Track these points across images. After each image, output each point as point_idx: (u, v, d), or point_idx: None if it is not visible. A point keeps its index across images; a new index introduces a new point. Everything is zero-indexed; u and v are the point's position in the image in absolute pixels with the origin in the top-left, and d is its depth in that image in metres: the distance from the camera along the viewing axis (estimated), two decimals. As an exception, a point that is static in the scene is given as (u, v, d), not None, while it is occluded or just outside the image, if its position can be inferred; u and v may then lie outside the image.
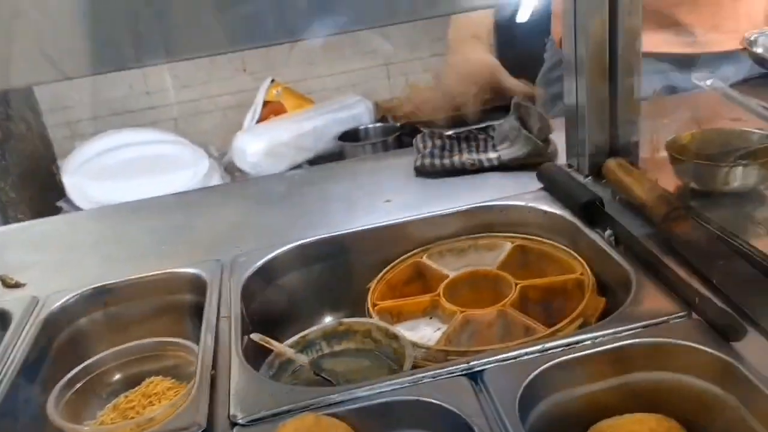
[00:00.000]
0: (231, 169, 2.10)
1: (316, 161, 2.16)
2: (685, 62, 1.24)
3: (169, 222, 1.06)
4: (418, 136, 1.13)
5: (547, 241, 0.87)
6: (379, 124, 2.21)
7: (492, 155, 1.05)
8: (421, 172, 1.06)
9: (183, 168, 1.99)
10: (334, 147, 2.13)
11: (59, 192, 2.07)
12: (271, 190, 1.10)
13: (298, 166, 2.14)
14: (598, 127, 0.96)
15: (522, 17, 1.17)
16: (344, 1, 0.53)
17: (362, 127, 2.17)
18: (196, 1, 0.45)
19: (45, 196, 2.11)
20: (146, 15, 0.45)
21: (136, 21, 0.44)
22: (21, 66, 0.45)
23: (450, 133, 1.13)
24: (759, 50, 1.09)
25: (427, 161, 1.05)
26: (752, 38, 1.09)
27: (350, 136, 2.15)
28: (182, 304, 0.88)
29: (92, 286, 0.86)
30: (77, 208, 1.97)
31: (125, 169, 1.97)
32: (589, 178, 0.97)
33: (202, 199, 1.16)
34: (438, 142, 1.10)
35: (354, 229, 0.92)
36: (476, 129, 1.13)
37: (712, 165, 0.85)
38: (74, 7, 0.43)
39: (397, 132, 2.11)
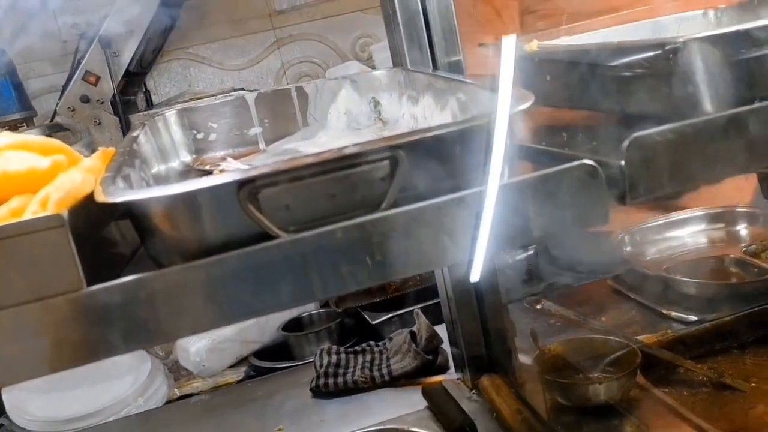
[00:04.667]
0: (175, 369, 2.09)
1: (262, 352, 2.17)
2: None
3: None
4: (317, 353, 1.16)
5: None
6: (323, 310, 2.24)
7: (384, 370, 1.07)
8: (316, 393, 1.08)
9: (124, 374, 1.98)
10: (278, 337, 2.15)
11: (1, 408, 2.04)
12: (167, 425, 1.10)
13: (245, 359, 2.15)
14: (473, 339, 1.00)
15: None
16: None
17: (305, 314, 2.20)
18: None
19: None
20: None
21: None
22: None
23: (348, 347, 1.16)
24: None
25: (322, 381, 1.07)
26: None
27: (294, 324, 2.17)
28: None
29: None
30: (18, 426, 1.93)
31: (65, 379, 1.96)
32: (474, 392, 0.99)
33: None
34: (334, 359, 1.12)
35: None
36: (373, 343, 1.16)
37: (573, 383, 0.88)
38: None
39: (339, 318, 2.14)
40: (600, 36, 0.90)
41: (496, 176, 0.52)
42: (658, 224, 1.23)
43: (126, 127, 1.94)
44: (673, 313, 1.05)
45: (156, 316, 0.48)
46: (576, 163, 0.53)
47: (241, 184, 0.48)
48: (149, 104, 2.15)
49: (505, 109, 0.53)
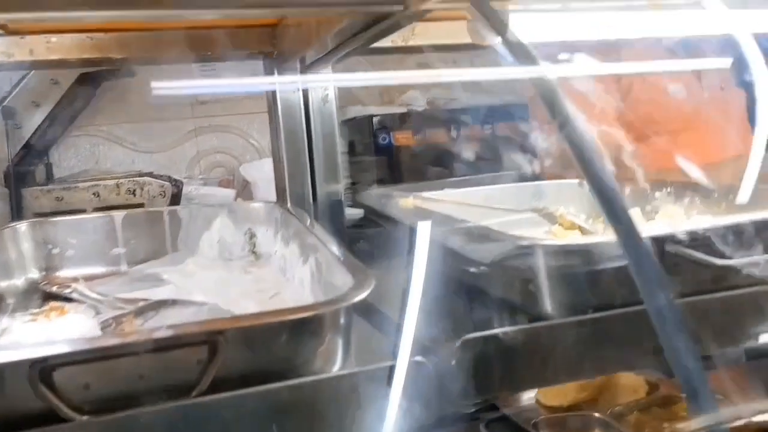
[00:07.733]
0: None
1: None
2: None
3: None
4: None
5: None
6: None
7: None
8: None
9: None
10: None
11: None
12: None
13: None
14: None
15: None
16: None
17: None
18: None
19: None
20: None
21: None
22: None
23: None
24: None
25: None
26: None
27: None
28: None
29: None
30: None
31: None
32: None
33: None
34: None
35: None
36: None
37: None
38: None
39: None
40: (479, 195, 0.92)
41: (406, 354, 0.50)
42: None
43: (17, 200, 1.84)
44: (535, 473, 1.03)
45: None
46: (409, 359, 0.51)
47: (34, 363, 0.44)
48: (49, 178, 2.05)
49: (416, 292, 0.51)
